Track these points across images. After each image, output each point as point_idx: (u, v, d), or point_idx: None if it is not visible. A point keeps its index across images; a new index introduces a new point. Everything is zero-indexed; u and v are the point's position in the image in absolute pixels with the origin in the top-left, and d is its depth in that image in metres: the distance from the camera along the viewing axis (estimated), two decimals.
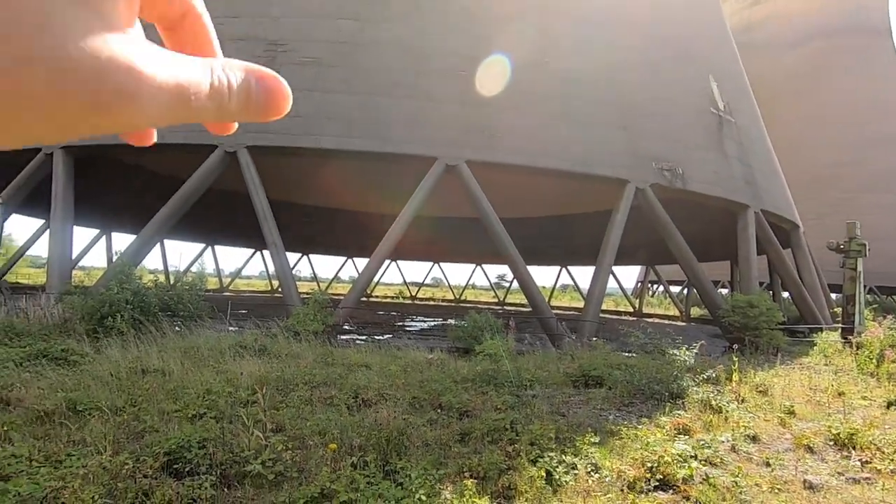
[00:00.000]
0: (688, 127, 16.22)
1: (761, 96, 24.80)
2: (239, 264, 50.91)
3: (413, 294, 41.75)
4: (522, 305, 37.67)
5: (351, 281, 51.23)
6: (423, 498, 2.63)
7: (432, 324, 21.51)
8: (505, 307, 34.19)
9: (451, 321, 21.54)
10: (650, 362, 7.59)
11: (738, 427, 5.23)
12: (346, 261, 39.73)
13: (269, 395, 5.26)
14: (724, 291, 31.46)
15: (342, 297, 14.10)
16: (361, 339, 13.39)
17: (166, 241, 29.65)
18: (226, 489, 3.39)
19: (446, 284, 45.57)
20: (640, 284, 49.15)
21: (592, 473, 3.64)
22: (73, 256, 18.58)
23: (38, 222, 21.73)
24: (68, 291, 10.41)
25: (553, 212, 24.81)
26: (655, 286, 53.73)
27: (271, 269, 38.82)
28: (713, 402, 5.73)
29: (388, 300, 38.83)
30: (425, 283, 47.04)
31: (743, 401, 6.46)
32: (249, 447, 3.85)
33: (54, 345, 7.01)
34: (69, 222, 13.52)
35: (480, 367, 7.23)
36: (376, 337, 13.72)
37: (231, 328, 11.65)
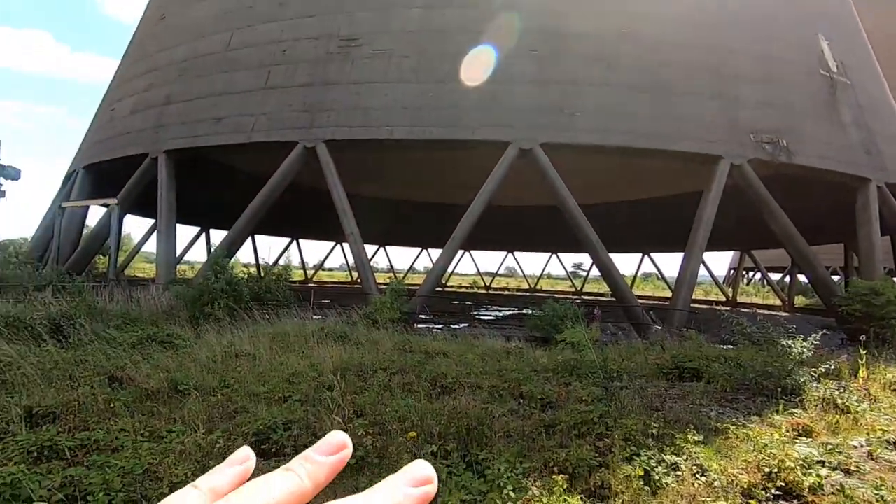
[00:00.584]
0: (794, 92, 14.43)
1: (882, 52, 21.50)
2: (321, 257, 53.48)
3: (487, 284, 41.55)
4: (601, 294, 36.11)
5: (426, 272, 51.97)
6: (511, 493, 2.43)
7: (507, 313, 21.20)
8: (582, 296, 32.98)
9: (527, 310, 21.11)
10: (755, 354, 6.80)
11: (874, 430, 4.48)
12: (420, 252, 40.36)
13: (350, 381, 5.32)
14: (836, 278, 28.04)
15: (418, 287, 14.23)
16: (437, 328, 13.40)
17: (258, 237, 31.81)
18: None
19: (520, 274, 44.74)
20: (733, 272, 45.28)
21: (698, 476, 3.23)
22: (178, 252, 20.43)
23: (149, 222, 24.19)
24: (173, 282, 11.39)
25: (636, 195, 23.35)
26: (751, 273, 49.17)
27: (351, 260, 40.43)
28: (838, 401, 4.98)
29: (463, 290, 38.95)
30: (499, 272, 46.57)
31: (875, 400, 5.57)
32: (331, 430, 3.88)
33: (162, 330, 7.64)
34: (173, 220, 14.80)
35: (562, 357, 6.88)
36: (452, 326, 13.71)
37: (315, 316, 12.15)
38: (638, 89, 13.27)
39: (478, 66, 13.11)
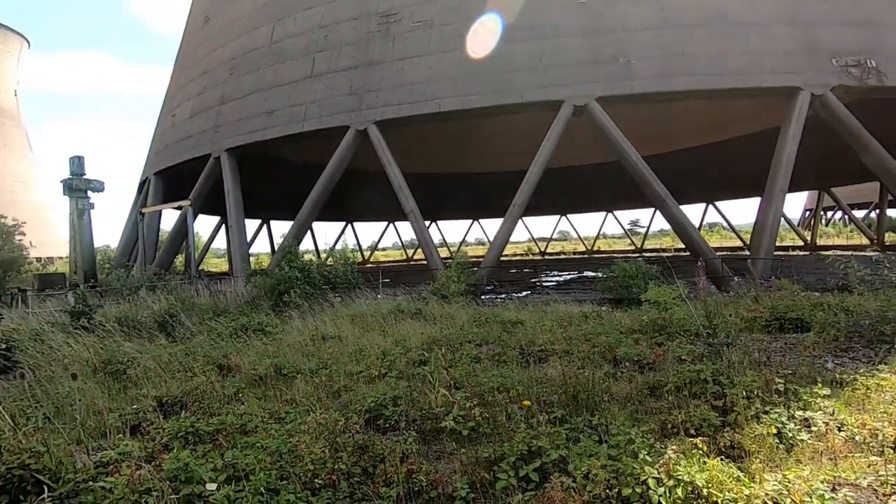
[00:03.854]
0: (880, 2, 12.85)
1: None
2: (374, 238, 54.55)
3: (542, 249, 40.96)
4: (663, 250, 34.70)
5: (477, 243, 51.87)
6: (647, 458, 2.39)
7: (567, 277, 20.85)
8: (643, 253, 31.84)
9: (589, 273, 20.63)
10: (862, 300, 6.30)
11: None
12: (472, 223, 40.24)
13: (440, 355, 5.41)
14: None
15: (476, 259, 14.21)
16: (501, 298, 13.37)
17: (314, 223, 32.83)
18: (426, 444, 3.53)
19: (575, 236, 43.76)
20: (809, 213, 42.13)
21: (835, 431, 3.05)
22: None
23: (213, 220, 25.51)
24: (252, 274, 12.00)
25: (700, 140, 21.97)
26: (830, 213, 45.53)
27: (405, 238, 41.01)
28: None
29: (518, 258, 38.64)
30: (553, 237, 45.79)
31: None
32: (437, 404, 3.97)
33: (252, 319, 8.09)
34: (242, 214, 15.49)
35: (647, 317, 6.68)
36: (514, 294, 13.64)
37: (380, 295, 12.45)
38: (701, 24, 12.30)
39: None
